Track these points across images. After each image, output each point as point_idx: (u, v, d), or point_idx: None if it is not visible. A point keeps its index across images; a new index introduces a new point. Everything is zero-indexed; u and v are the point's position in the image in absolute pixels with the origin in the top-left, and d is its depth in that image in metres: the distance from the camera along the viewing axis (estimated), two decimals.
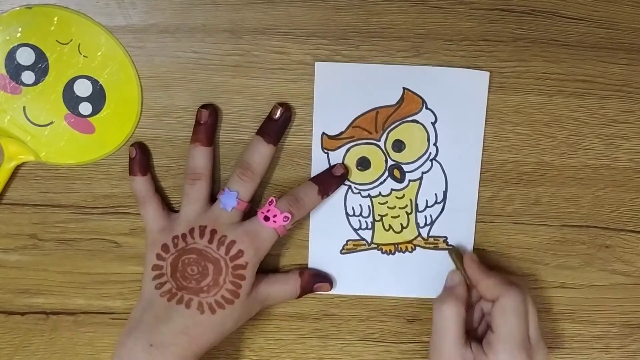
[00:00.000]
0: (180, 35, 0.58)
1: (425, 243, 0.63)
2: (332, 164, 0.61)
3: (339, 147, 0.61)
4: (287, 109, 0.59)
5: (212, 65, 0.59)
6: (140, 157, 0.59)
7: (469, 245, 0.63)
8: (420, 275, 0.63)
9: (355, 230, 0.62)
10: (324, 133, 0.60)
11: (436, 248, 0.63)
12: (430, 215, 0.62)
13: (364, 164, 0.61)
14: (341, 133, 0.61)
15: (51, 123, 0.59)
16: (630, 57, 0.60)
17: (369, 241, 0.63)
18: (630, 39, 0.60)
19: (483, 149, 0.61)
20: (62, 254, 0.62)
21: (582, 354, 0.66)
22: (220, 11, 0.58)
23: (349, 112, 0.60)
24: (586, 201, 0.63)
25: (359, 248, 0.63)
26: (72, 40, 0.58)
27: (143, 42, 0.58)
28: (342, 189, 0.61)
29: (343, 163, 0.61)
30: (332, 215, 0.61)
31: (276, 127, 0.59)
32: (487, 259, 0.63)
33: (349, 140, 0.61)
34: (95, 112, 0.59)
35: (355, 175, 0.61)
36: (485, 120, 0.60)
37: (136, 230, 0.62)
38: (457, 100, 0.60)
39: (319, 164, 0.61)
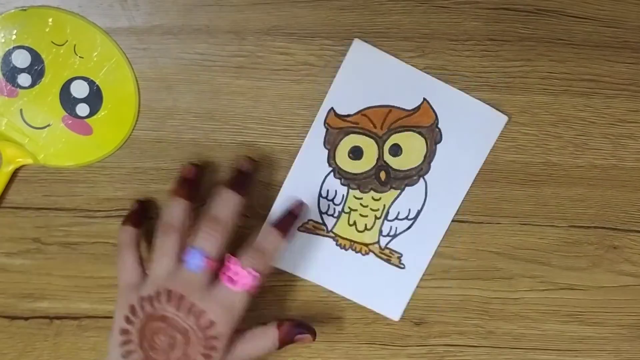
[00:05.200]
0: (184, 37, 0.58)
1: (380, 252, 0.62)
2: (326, 142, 0.60)
3: (340, 127, 0.60)
4: (253, 161, 0.59)
5: (216, 67, 0.59)
6: (140, 210, 0.59)
7: (419, 273, 0.62)
8: (364, 282, 0.62)
9: (320, 212, 0.61)
10: (332, 109, 0.60)
11: (388, 261, 0.62)
12: (396, 228, 0.61)
13: (356, 153, 0.60)
14: (348, 115, 0.60)
15: (48, 125, 0.59)
16: (637, 56, 0.60)
17: (329, 228, 0.62)
18: (637, 37, 0.59)
19: (473, 183, 0.61)
20: (65, 258, 0.62)
21: (590, 357, 0.65)
22: (224, 12, 0.58)
23: (364, 99, 0.59)
24: (594, 202, 0.62)
25: (316, 231, 0.62)
26: (67, 41, 0.58)
27: (146, 44, 0.58)
28: (326, 169, 0.60)
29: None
30: (306, 192, 0.60)
31: (246, 179, 0.58)
32: (493, 260, 0.63)
33: (352, 125, 0.60)
34: (92, 113, 0.59)
35: (345, 162, 0.61)
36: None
37: None
38: (468, 131, 0.60)
39: (314, 138, 0.60)
